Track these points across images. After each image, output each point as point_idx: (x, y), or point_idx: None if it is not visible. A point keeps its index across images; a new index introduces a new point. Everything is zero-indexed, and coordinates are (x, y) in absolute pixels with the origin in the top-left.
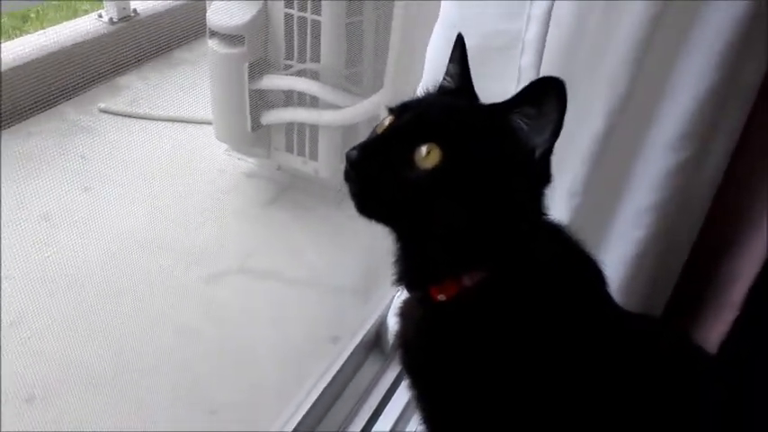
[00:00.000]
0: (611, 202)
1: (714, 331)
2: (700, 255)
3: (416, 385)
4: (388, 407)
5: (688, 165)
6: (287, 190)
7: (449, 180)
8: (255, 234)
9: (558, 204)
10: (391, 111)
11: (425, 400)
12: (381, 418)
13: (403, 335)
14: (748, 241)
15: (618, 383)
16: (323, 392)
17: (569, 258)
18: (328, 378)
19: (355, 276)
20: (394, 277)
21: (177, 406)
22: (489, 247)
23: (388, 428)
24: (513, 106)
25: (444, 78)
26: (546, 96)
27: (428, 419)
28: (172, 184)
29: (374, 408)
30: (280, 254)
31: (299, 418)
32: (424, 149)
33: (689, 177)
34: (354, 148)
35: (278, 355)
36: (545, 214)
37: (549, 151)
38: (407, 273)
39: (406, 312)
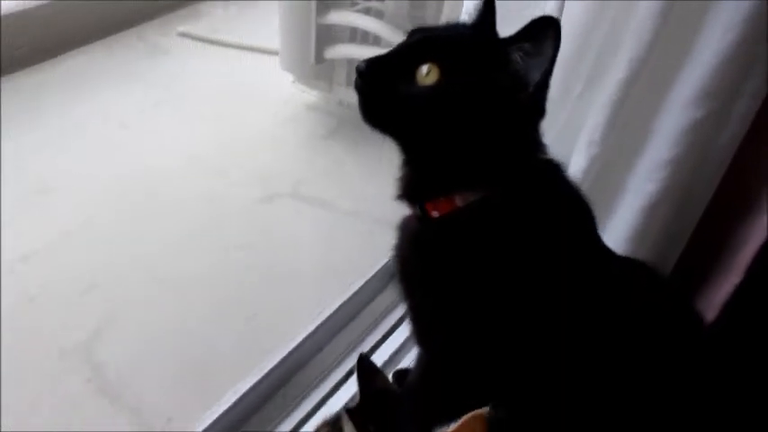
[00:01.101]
0: (628, 154)
1: (719, 293)
2: (714, 216)
3: (407, 296)
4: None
5: (706, 123)
6: (345, 124)
7: (445, 98)
8: (310, 163)
9: (577, 153)
10: (407, 33)
11: (414, 311)
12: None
13: (399, 247)
14: (761, 207)
15: (594, 313)
16: (338, 309)
17: (558, 192)
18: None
19: (398, 212)
20: (396, 192)
21: (220, 308)
22: (480, 170)
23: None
24: (512, 41)
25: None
26: (543, 34)
27: (416, 332)
28: (239, 108)
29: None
30: (331, 184)
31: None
32: (425, 68)
33: (706, 136)
34: (365, 61)
35: (316, 275)
36: (541, 149)
37: (542, 86)
38: (408, 187)
39: (404, 226)
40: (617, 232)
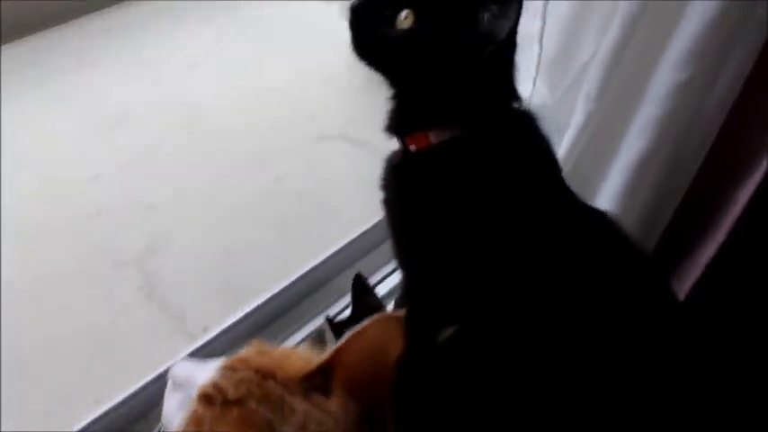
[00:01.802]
0: (623, 111)
1: (704, 254)
2: (705, 177)
3: (389, 221)
4: None
5: (694, 84)
6: None
7: (416, 43)
8: (360, 106)
9: (577, 110)
10: None
11: (393, 234)
12: None
13: (384, 177)
14: (750, 170)
15: (552, 248)
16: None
17: (525, 137)
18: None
19: None
20: (384, 124)
21: (264, 235)
22: (452, 111)
23: None
24: (482, 2)
25: None
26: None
27: (396, 253)
28: (301, 51)
29: None
30: (377, 129)
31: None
32: (404, 13)
33: (695, 98)
34: (357, 1)
35: (355, 212)
36: (515, 99)
37: (507, 43)
38: (392, 121)
39: (389, 158)
40: (611, 186)
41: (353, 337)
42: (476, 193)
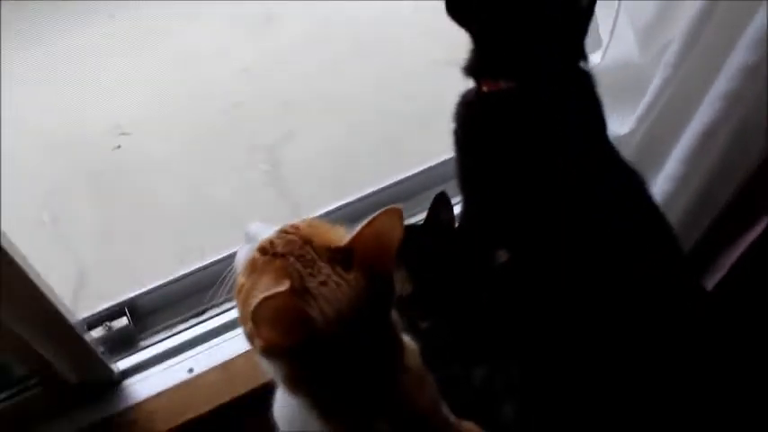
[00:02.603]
0: (697, 82)
1: (755, 231)
2: None
3: (455, 149)
4: None
5: (763, 66)
6: None
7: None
8: None
9: (656, 75)
10: None
11: (458, 162)
12: None
13: (457, 111)
14: None
15: (585, 195)
16: None
17: (582, 96)
18: None
19: None
20: (463, 66)
21: (380, 141)
22: (521, 63)
23: None
24: None
25: None
26: None
27: (458, 180)
28: None
29: None
30: None
31: None
32: None
33: (762, 80)
34: None
35: None
36: (582, 60)
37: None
38: (471, 64)
39: (464, 95)
40: (680, 152)
41: (366, 225)
42: (528, 136)
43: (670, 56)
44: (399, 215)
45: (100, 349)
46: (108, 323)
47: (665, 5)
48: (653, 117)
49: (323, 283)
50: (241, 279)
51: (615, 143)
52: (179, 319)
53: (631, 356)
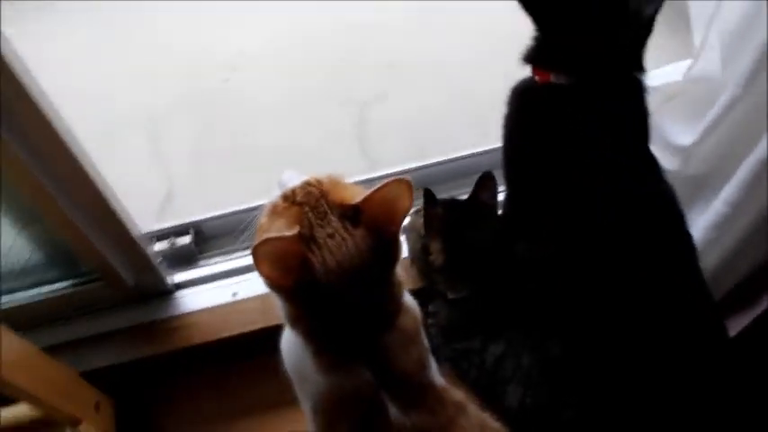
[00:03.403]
0: (763, 107)
1: None
2: None
3: (503, 133)
4: None
5: None
6: None
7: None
8: None
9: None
10: None
11: (503, 147)
12: None
13: (509, 97)
14: None
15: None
16: None
17: (629, 103)
18: None
19: None
20: (523, 54)
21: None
22: (577, 62)
23: None
24: None
25: None
26: None
27: (503, 166)
28: None
29: None
30: None
31: None
32: None
33: None
34: None
35: None
36: (638, 70)
37: (651, 19)
38: (529, 53)
39: (518, 84)
40: (738, 178)
41: (376, 190)
42: (569, 133)
43: (740, 77)
44: (408, 186)
45: (158, 260)
46: (173, 239)
47: (750, 27)
48: (718, 134)
49: (330, 235)
50: (263, 219)
51: (679, 152)
52: (234, 247)
53: (640, 363)
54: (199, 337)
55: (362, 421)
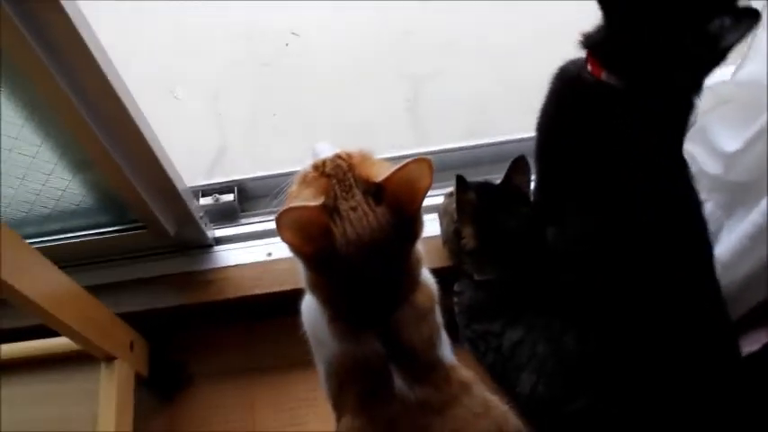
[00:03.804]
0: None
1: None
2: None
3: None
4: None
5: None
6: None
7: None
8: None
9: None
10: None
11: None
12: None
13: (553, 82)
14: None
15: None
16: None
17: (676, 116)
18: None
19: None
20: (582, 38)
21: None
22: (633, 69)
23: None
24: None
25: None
26: (746, 17)
27: (535, 150)
28: None
29: None
30: None
31: None
32: None
33: None
34: None
35: None
36: (695, 93)
37: (724, 53)
38: (588, 40)
39: (566, 68)
40: None
41: (398, 169)
42: (611, 135)
43: None
44: (429, 165)
45: (201, 214)
46: (218, 195)
47: None
48: (763, 143)
49: (353, 208)
50: (293, 187)
51: (723, 158)
52: (272, 209)
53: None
54: (232, 292)
55: (369, 388)
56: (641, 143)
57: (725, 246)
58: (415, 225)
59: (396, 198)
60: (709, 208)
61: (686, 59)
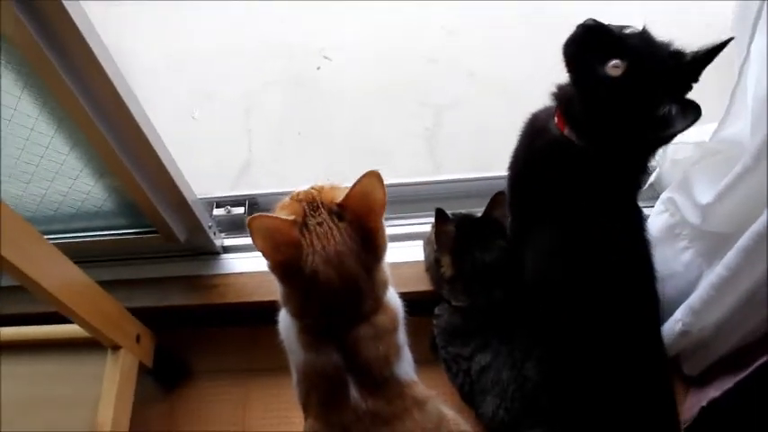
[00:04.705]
0: None
1: None
2: None
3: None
4: None
5: None
6: None
7: (611, 91)
8: None
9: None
10: None
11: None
12: None
13: (524, 130)
14: None
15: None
16: None
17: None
18: None
19: None
20: (554, 92)
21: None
22: (592, 134)
23: None
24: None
25: None
26: (690, 111)
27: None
28: None
29: None
30: None
31: None
32: (615, 63)
33: None
34: (592, 23)
35: None
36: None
37: (670, 138)
38: (557, 97)
39: (537, 115)
40: (740, 245)
41: (353, 186)
42: (564, 182)
43: (755, 147)
44: (378, 177)
45: (209, 224)
46: (230, 207)
47: None
48: (731, 200)
49: (319, 224)
50: (277, 211)
51: (699, 209)
52: None
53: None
54: (233, 297)
55: (327, 396)
56: (596, 194)
57: (698, 294)
58: (376, 237)
59: (355, 213)
60: (690, 256)
61: (637, 137)
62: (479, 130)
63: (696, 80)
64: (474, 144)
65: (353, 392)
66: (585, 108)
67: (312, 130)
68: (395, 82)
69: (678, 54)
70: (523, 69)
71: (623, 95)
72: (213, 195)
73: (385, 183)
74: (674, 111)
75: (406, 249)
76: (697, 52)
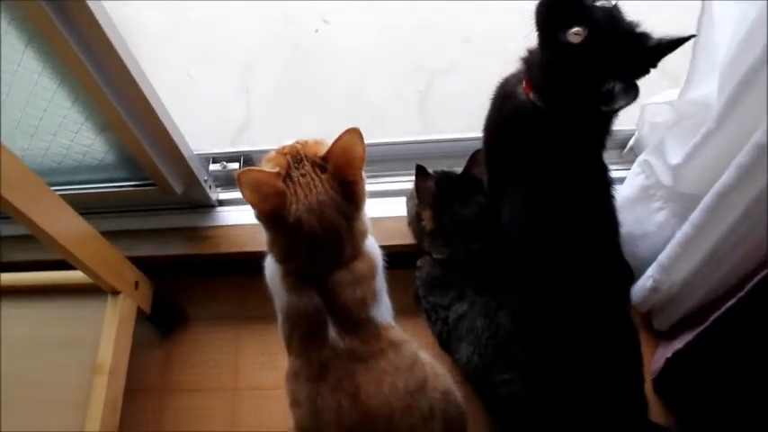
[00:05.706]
0: (736, 141)
1: None
2: None
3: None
4: None
5: None
6: None
7: (569, 56)
8: None
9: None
10: None
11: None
12: None
13: (495, 95)
14: None
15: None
16: None
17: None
18: None
19: None
20: (523, 57)
21: None
22: (553, 97)
23: None
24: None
25: None
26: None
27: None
28: None
29: None
30: None
31: None
32: (577, 30)
33: None
34: None
35: None
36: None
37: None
38: (526, 62)
39: (506, 82)
40: (704, 204)
41: (335, 141)
42: (531, 143)
43: (716, 111)
44: (359, 133)
45: (204, 178)
46: (225, 163)
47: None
48: (697, 161)
49: (302, 175)
50: (263, 164)
51: (670, 170)
52: None
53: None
54: (226, 247)
55: (308, 335)
56: (560, 155)
57: (667, 251)
58: (356, 189)
59: (337, 166)
60: (665, 216)
61: (587, 106)
62: (469, 94)
63: (654, 66)
64: (464, 107)
65: (332, 332)
66: (544, 72)
67: (309, 90)
68: (389, 46)
69: (643, 36)
70: (518, 36)
71: (576, 63)
72: (210, 151)
73: (374, 141)
74: (617, 88)
75: (393, 205)
76: (662, 39)
